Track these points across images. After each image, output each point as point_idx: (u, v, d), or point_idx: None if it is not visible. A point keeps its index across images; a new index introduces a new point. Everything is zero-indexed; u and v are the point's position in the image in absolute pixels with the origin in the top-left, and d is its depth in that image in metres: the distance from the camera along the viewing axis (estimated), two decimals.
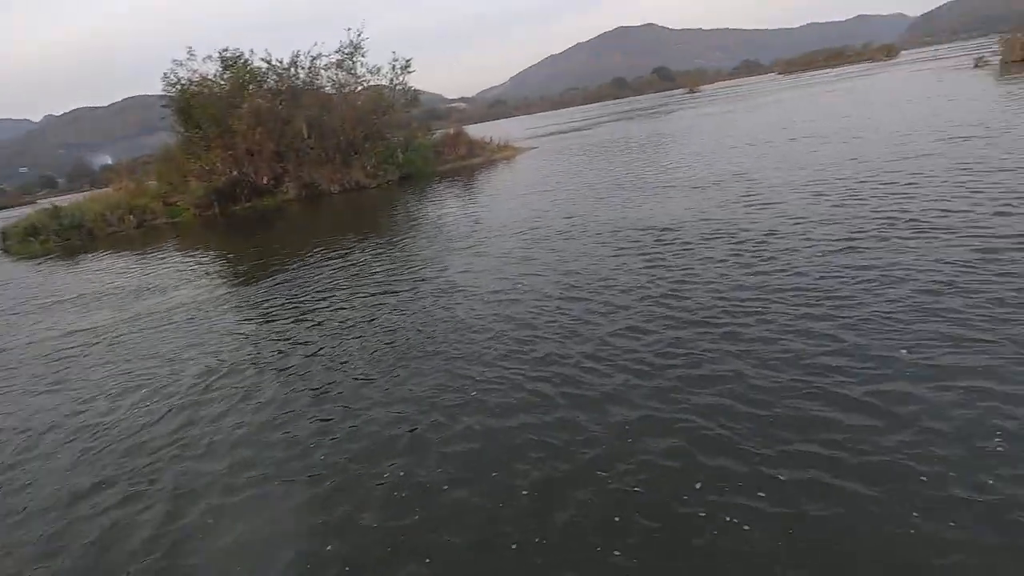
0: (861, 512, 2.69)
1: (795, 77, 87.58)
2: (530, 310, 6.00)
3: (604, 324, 5.29)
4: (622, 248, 7.76)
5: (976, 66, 29.07)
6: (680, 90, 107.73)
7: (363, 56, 25.86)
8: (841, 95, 28.63)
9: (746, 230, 7.55)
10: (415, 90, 26.83)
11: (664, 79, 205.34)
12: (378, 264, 9.45)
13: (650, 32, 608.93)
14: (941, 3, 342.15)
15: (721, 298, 5.44)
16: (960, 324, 4.20)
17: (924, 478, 2.83)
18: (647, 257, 7.16)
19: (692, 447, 3.35)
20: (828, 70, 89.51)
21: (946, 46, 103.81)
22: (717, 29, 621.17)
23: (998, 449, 2.94)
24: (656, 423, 3.64)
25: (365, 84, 26.13)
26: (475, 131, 37.13)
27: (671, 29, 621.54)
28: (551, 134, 41.05)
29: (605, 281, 6.50)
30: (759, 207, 8.66)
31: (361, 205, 19.58)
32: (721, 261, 6.50)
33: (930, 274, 5.14)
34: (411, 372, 5.02)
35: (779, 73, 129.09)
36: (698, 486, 3.03)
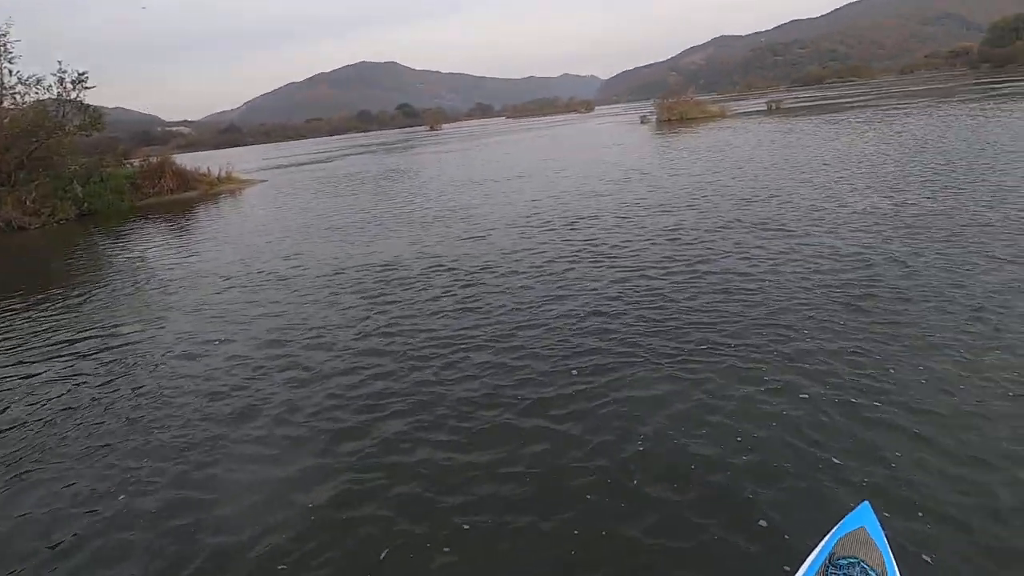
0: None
1: (519, 121, 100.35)
2: (222, 378, 5.05)
3: (305, 397, 4.71)
4: (340, 288, 7.29)
5: (642, 122, 37.41)
6: (422, 127, 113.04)
7: (9, 63, 20.24)
8: (551, 140, 33.64)
9: (462, 264, 7.85)
10: (96, 108, 21.87)
11: (408, 115, 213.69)
12: (29, 326, 7.08)
13: (392, 69, 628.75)
14: (622, 71, 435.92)
15: (435, 338, 5.40)
16: (620, 342, 4.87)
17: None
18: (366, 297, 6.83)
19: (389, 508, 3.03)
20: (544, 117, 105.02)
21: (624, 105, 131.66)
22: (453, 73, 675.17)
23: (639, 448, 3.34)
24: (353, 494, 3.24)
25: (17, 98, 20.42)
26: (201, 159, 32.44)
27: (413, 68, 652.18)
28: (288, 166, 38.42)
29: (316, 331, 5.92)
30: (475, 240, 9.18)
31: (13, 251, 14.94)
32: (434, 299, 6.55)
33: (599, 297, 5.97)
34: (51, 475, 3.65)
35: (507, 117, 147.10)
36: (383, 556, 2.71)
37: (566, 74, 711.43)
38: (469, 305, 6.20)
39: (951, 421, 3.35)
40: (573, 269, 7.09)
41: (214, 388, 4.83)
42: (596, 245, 8.06)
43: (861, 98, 42.62)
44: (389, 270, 7.98)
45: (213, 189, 22.75)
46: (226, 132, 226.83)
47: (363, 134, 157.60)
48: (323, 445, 3.80)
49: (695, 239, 7.79)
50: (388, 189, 17.56)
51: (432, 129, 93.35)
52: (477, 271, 7.45)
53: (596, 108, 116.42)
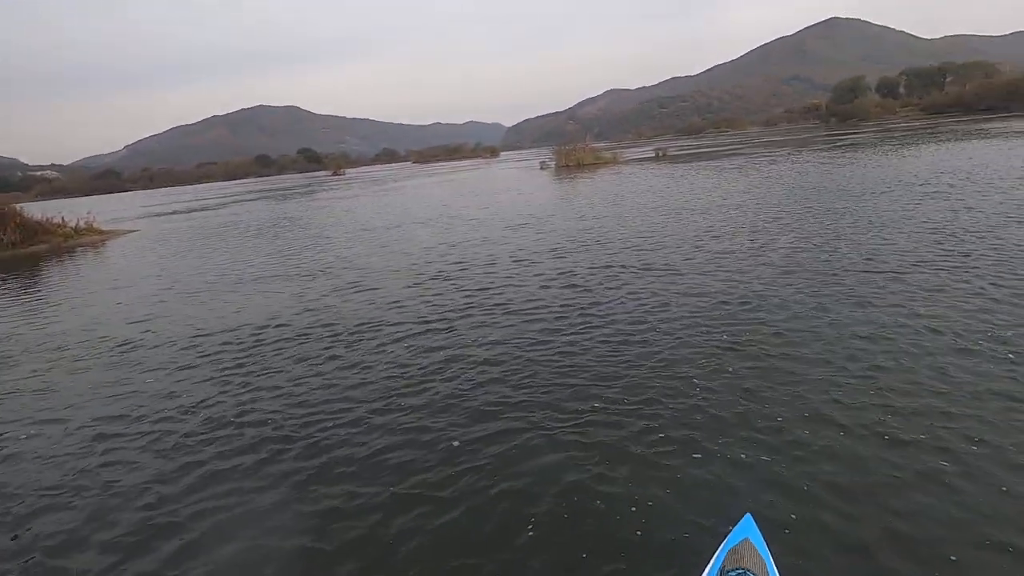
0: None
1: (425, 166, 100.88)
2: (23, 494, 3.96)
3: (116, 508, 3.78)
4: (197, 359, 6.29)
5: (541, 168, 38.69)
6: (326, 172, 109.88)
7: None
8: (453, 185, 33.69)
9: (345, 321, 7.14)
10: None
11: (310, 160, 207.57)
12: None
13: (293, 113, 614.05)
14: (524, 119, 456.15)
15: (302, 414, 4.65)
16: (511, 405, 4.43)
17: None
18: (225, 368, 5.90)
19: None
20: (450, 162, 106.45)
21: (527, 151, 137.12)
22: (358, 119, 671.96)
23: (530, 535, 2.85)
24: None
25: None
26: (67, 207, 28.82)
27: (314, 113, 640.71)
28: (170, 213, 35.28)
29: (157, 416, 4.94)
30: (362, 293, 8.50)
31: None
32: (307, 364, 5.79)
33: (490, 353, 5.55)
34: None
35: (413, 162, 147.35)
36: None
37: (472, 121, 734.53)
38: (345, 371, 5.51)
39: (832, 458, 3.36)
40: (463, 321, 6.65)
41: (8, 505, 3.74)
42: (489, 295, 7.71)
43: (735, 146, 47.32)
44: (260, 332, 7.07)
45: (69, 242, 20.00)
46: (102, 177, 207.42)
47: (262, 179, 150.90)
48: None
49: (587, 285, 7.67)
50: (276, 239, 16.32)
51: (335, 173, 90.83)
52: (361, 328, 6.78)
53: (501, 154, 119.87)
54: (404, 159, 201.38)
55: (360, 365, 5.62)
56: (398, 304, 7.71)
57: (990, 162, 16.42)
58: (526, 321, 6.45)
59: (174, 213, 34.96)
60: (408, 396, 4.81)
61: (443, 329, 6.45)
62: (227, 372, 5.80)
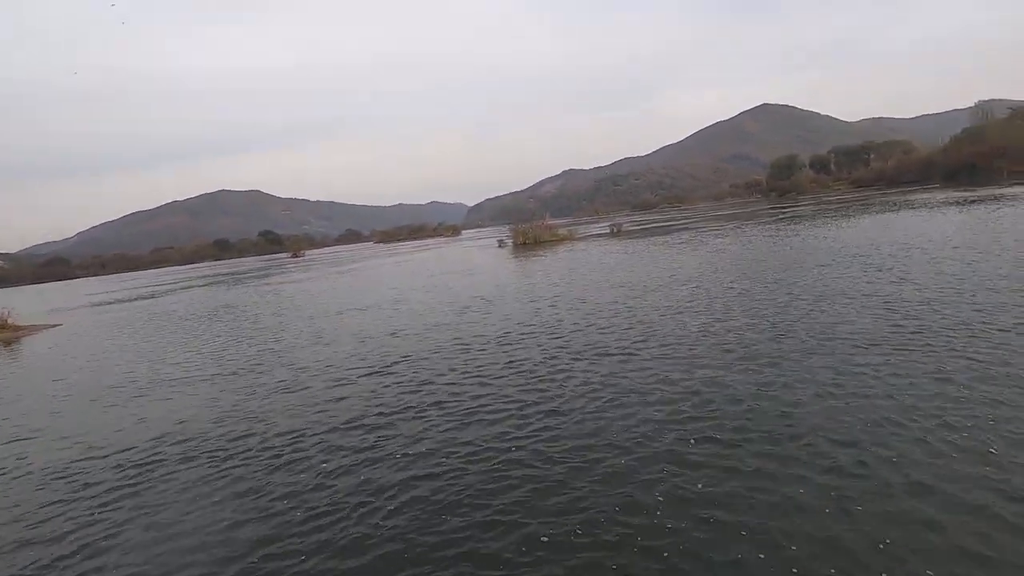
0: None
1: (388, 246, 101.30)
2: None
3: None
4: (86, 482, 5.27)
5: (499, 246, 38.98)
6: (285, 254, 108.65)
7: None
8: (410, 265, 33.37)
9: (265, 428, 6.26)
10: None
11: (272, 242, 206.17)
12: None
13: (255, 197, 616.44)
14: (484, 199, 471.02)
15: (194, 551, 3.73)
16: (441, 540, 3.65)
17: None
18: (102, 505, 4.91)
19: None
20: (412, 241, 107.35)
21: (488, 228, 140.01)
22: (322, 201, 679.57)
23: None
24: None
25: None
26: (2, 296, 26.70)
27: (277, 196, 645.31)
28: (110, 303, 33.42)
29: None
30: (287, 395, 7.64)
31: None
32: (210, 490, 4.88)
33: (425, 467, 4.78)
34: None
35: (376, 241, 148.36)
36: None
37: (434, 201, 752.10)
38: (251, 500, 4.62)
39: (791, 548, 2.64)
40: (391, 431, 5.87)
41: None
42: (430, 391, 6.99)
43: (686, 220, 49.27)
44: (157, 449, 6.10)
45: None
46: (49, 265, 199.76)
47: (219, 263, 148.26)
48: None
49: (534, 378, 7.08)
50: (207, 331, 15.23)
51: (295, 256, 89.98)
52: (281, 438, 5.92)
53: (462, 232, 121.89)
54: (368, 239, 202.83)
55: (267, 490, 4.75)
56: (323, 407, 6.90)
57: (921, 232, 17.19)
58: (463, 425, 5.75)
59: (114, 303, 33.15)
60: (318, 532, 3.97)
61: (368, 441, 5.66)
62: (107, 507, 4.82)
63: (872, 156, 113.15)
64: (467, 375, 7.55)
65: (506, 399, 6.38)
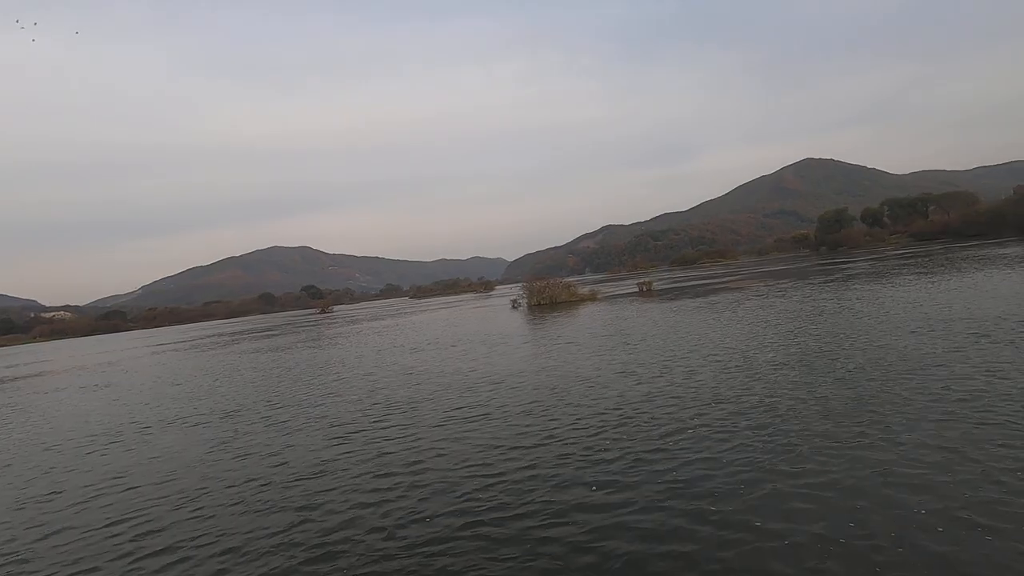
0: None
1: (420, 301, 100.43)
2: None
3: None
4: None
5: (513, 307, 35.94)
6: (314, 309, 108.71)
7: None
8: (419, 326, 30.65)
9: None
10: None
11: (313, 296, 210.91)
12: None
13: (305, 253, 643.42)
14: (524, 254, 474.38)
15: None
16: None
17: None
18: None
19: None
20: (444, 297, 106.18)
21: (523, 283, 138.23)
22: (368, 256, 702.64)
23: None
24: None
25: None
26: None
27: (326, 252, 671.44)
28: (133, 357, 31.96)
29: None
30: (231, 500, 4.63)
31: None
32: None
33: None
34: None
35: (411, 297, 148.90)
36: None
37: (476, 256, 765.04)
38: None
39: None
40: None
41: None
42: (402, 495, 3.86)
43: (728, 278, 45.17)
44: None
45: None
46: (106, 318, 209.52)
47: (263, 316, 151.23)
48: None
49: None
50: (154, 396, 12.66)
51: (323, 311, 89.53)
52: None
53: (497, 287, 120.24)
54: (405, 294, 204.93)
55: None
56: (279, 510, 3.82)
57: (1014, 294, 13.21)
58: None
59: (134, 356, 31.65)
60: None
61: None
62: None
63: (932, 208, 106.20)
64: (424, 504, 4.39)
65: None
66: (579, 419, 7.46)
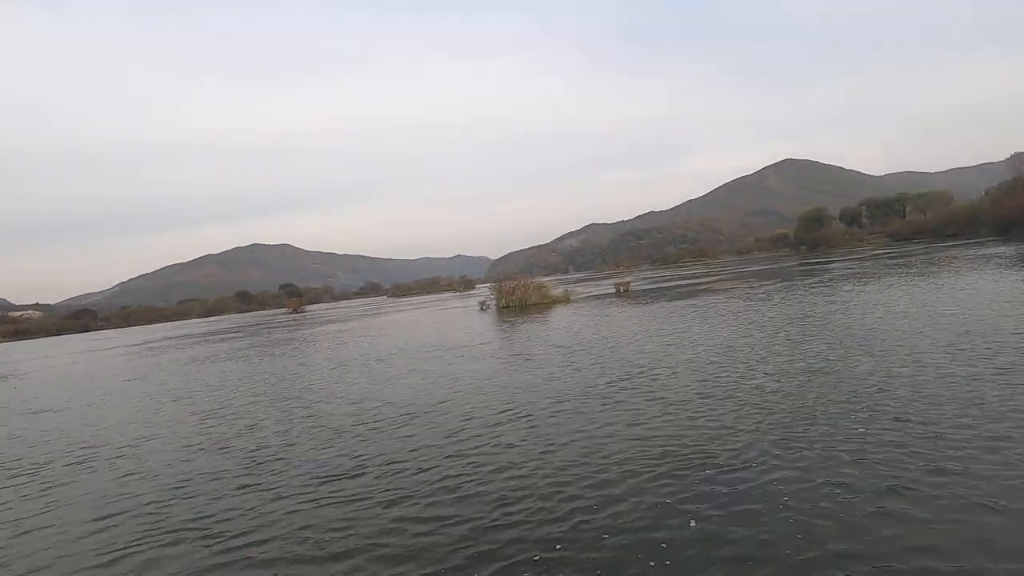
0: None
1: (398, 300, 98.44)
2: None
3: None
4: None
5: (481, 309, 34.18)
6: (284, 310, 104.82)
7: None
8: (386, 328, 28.86)
9: None
10: None
11: (291, 295, 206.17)
12: None
13: (285, 251, 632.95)
14: (507, 252, 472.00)
15: None
16: None
17: None
18: None
19: None
20: (422, 296, 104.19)
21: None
22: (349, 254, 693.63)
23: None
24: None
25: None
26: None
27: (306, 250, 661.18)
28: (83, 358, 29.59)
29: None
30: None
31: None
32: None
33: None
34: None
35: (390, 296, 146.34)
36: None
37: (459, 255, 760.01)
38: None
39: None
40: None
41: None
42: None
43: (708, 279, 44.06)
44: None
45: None
46: (75, 316, 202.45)
47: (238, 315, 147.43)
48: None
49: None
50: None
51: (295, 311, 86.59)
52: None
53: (477, 286, 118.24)
54: (386, 292, 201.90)
55: None
56: None
57: (996, 294, 11.99)
58: None
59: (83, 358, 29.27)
60: None
61: None
62: None
63: (909, 208, 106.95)
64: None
65: None
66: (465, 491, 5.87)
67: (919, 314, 12.60)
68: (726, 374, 8.93)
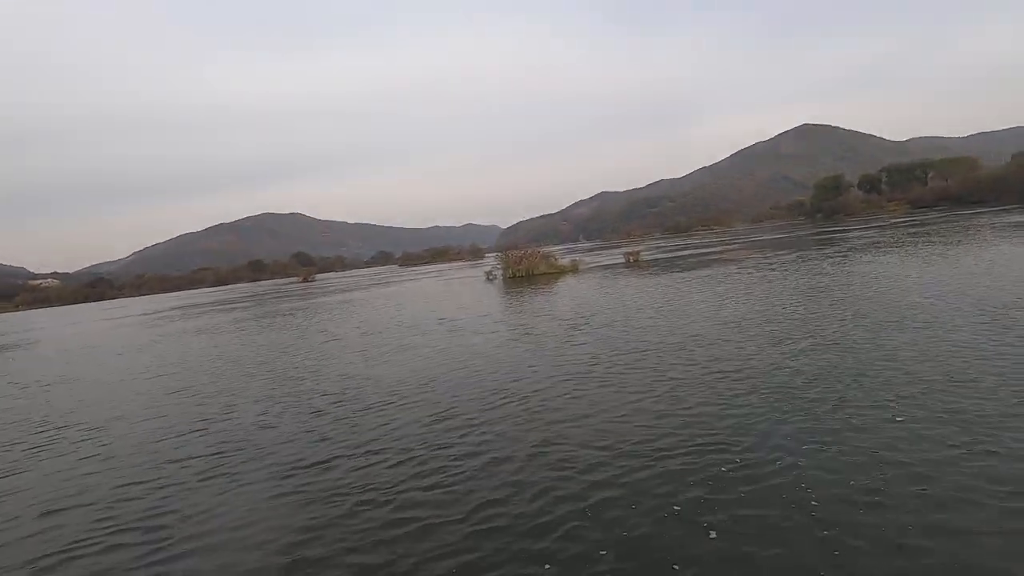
0: None
1: (408, 269, 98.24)
2: None
3: None
4: None
5: (487, 279, 33.22)
6: (295, 278, 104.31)
7: None
8: (391, 299, 28.34)
9: None
10: None
11: (304, 263, 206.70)
12: None
13: (297, 219, 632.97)
14: (519, 221, 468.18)
15: None
16: None
17: None
18: None
19: None
20: (432, 265, 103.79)
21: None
22: (360, 223, 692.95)
23: None
24: None
25: None
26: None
27: (316, 219, 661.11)
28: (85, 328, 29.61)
29: None
30: None
31: None
32: None
33: None
34: None
35: (400, 264, 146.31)
36: None
37: (470, 224, 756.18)
38: None
39: None
40: None
41: None
42: None
43: (723, 247, 42.86)
44: None
45: None
46: (92, 285, 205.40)
47: (251, 284, 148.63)
48: None
49: None
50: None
51: (305, 280, 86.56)
52: None
53: (487, 255, 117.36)
54: (397, 261, 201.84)
55: None
56: None
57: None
58: None
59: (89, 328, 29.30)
60: None
61: None
62: None
63: (931, 175, 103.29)
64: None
65: None
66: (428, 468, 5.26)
67: (951, 287, 11.70)
68: (739, 352, 8.22)
